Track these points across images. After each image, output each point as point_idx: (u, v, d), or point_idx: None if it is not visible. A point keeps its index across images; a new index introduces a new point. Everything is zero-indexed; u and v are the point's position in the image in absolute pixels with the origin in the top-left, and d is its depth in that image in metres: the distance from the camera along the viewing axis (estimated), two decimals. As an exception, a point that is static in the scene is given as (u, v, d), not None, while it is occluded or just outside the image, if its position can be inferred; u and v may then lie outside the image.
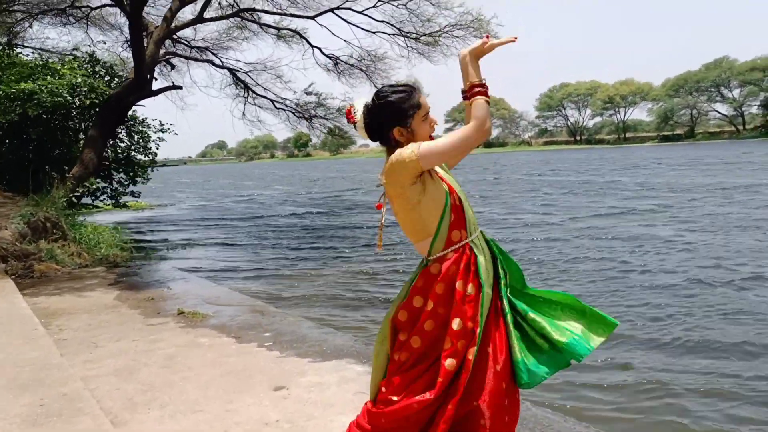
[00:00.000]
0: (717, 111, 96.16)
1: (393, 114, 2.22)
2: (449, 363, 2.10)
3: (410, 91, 2.24)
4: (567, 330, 2.20)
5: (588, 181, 25.50)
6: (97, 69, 13.07)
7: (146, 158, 14.09)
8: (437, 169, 2.27)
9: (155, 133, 14.16)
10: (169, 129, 14.48)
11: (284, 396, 4.02)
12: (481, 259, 2.20)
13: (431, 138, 2.25)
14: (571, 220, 13.52)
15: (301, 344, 5.24)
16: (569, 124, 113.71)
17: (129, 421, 3.68)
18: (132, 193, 13.23)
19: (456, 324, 2.13)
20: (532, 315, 2.22)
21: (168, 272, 9.33)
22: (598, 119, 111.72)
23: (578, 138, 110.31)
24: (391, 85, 2.31)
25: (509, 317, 2.21)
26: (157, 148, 14.24)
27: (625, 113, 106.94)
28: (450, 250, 2.20)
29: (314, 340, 5.37)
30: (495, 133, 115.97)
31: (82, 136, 12.79)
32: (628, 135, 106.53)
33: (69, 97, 11.63)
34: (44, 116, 12.11)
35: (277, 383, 4.25)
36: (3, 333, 5.28)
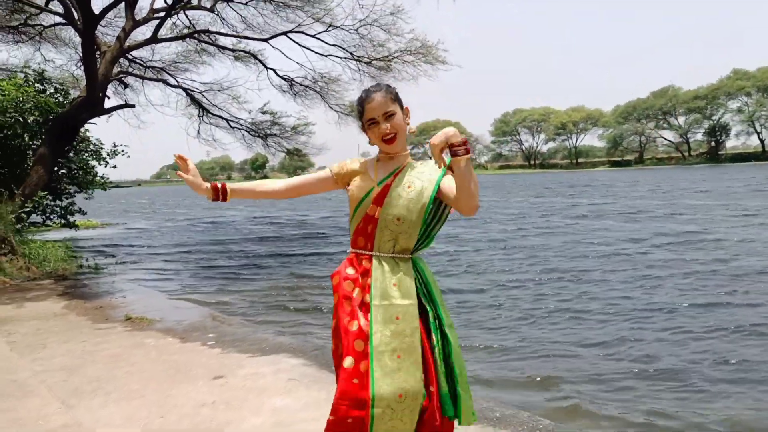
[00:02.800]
0: (664, 138, 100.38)
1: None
2: (348, 362, 2.12)
3: (360, 96, 2.28)
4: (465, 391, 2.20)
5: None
6: (45, 86, 13.17)
7: (98, 178, 14.23)
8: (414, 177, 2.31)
9: (109, 156, 14.37)
10: (123, 151, 14.70)
11: (222, 384, 4.36)
12: (377, 274, 2.21)
13: (386, 142, 2.25)
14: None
15: (242, 343, 5.58)
16: (524, 148, 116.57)
17: (75, 405, 3.96)
18: (80, 210, 13.34)
19: (353, 326, 2.18)
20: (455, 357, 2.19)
21: (117, 284, 9.50)
22: (551, 144, 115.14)
23: (532, 162, 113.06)
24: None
25: (438, 350, 2.17)
26: (105, 170, 14.45)
27: (577, 139, 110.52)
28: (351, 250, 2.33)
29: (255, 340, 5.72)
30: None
31: (30, 153, 12.79)
32: (580, 160, 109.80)
33: (16, 114, 11.67)
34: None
35: (216, 374, 4.58)
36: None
